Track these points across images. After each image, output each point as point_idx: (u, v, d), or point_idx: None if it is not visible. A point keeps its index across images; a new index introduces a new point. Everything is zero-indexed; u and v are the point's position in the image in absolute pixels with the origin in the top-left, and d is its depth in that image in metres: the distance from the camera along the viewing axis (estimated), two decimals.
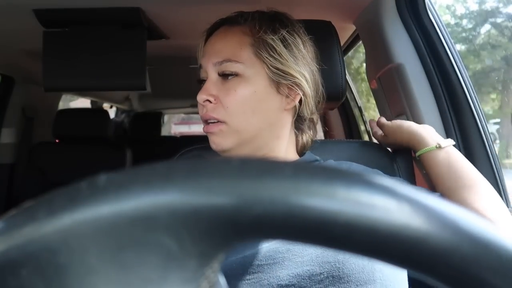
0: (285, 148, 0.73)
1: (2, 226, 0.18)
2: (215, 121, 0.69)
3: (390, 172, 0.86)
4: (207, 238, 0.18)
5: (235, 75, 0.68)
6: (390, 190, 0.18)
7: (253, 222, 0.18)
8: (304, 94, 0.70)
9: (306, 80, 0.70)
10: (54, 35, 1.23)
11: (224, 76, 0.69)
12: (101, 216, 0.17)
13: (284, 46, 0.68)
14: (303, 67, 0.70)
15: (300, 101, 0.71)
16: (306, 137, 0.77)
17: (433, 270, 0.18)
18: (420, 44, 1.00)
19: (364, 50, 1.29)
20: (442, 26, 1.02)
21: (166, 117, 4.89)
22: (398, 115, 1.06)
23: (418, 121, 0.98)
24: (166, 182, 0.18)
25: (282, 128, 0.72)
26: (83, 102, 3.71)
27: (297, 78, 0.69)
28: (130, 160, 2.18)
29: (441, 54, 0.99)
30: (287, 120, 0.73)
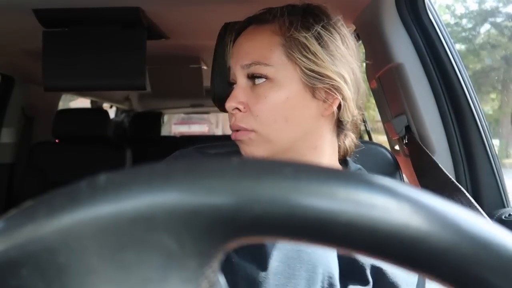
0: (328, 158, 0.66)
1: (2, 226, 0.18)
2: (245, 130, 0.63)
3: (391, 172, 0.86)
4: (207, 238, 0.18)
5: (265, 78, 0.61)
6: (390, 189, 0.18)
7: (253, 222, 0.18)
8: (343, 97, 0.62)
9: (346, 82, 0.61)
10: (54, 35, 1.23)
11: (253, 79, 0.62)
12: (101, 216, 0.17)
13: (319, 44, 0.61)
14: (342, 67, 0.62)
15: (339, 106, 0.63)
16: (348, 141, 0.69)
17: (433, 270, 0.18)
18: (420, 43, 1.00)
19: (363, 50, 1.29)
20: (442, 25, 1.02)
21: (166, 117, 4.89)
22: (398, 115, 1.06)
23: (418, 121, 0.98)
24: (166, 182, 0.18)
25: (320, 137, 0.65)
26: (83, 102, 3.71)
27: (335, 80, 0.61)
28: (130, 160, 2.18)
29: (441, 54, 0.99)
30: (326, 128, 0.65)
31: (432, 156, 0.89)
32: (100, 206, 0.17)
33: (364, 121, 2.16)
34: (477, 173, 0.95)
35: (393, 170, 0.86)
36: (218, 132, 9.72)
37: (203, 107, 3.88)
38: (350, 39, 0.65)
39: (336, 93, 0.61)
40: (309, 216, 0.17)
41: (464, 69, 1.00)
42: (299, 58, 0.60)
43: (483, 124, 0.96)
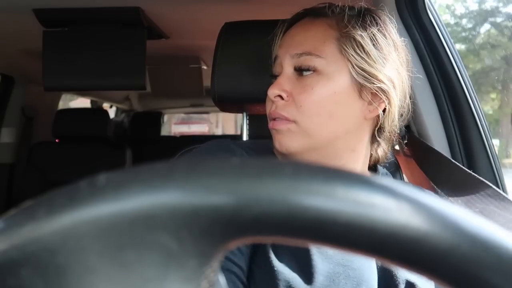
0: (362, 162, 0.65)
1: (2, 225, 0.18)
2: (285, 119, 0.61)
3: (391, 173, 0.86)
4: (207, 238, 0.18)
5: (314, 71, 0.60)
6: (389, 189, 0.18)
7: (253, 222, 0.18)
8: (389, 102, 0.61)
9: (394, 87, 0.61)
10: (54, 35, 1.24)
11: (300, 71, 0.61)
12: (101, 216, 0.17)
13: (373, 45, 0.60)
14: (392, 72, 0.61)
15: (384, 110, 0.62)
16: (380, 151, 0.68)
17: (433, 270, 0.18)
18: (420, 43, 1.00)
19: None
20: (442, 25, 1.02)
21: (166, 117, 4.89)
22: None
23: (418, 121, 0.98)
24: (166, 181, 0.18)
25: (360, 140, 0.63)
26: (83, 102, 3.71)
27: (384, 83, 0.60)
28: (130, 160, 2.18)
29: (441, 54, 0.99)
30: (366, 131, 0.64)
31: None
32: (100, 206, 0.17)
33: None
34: (477, 173, 0.95)
35: (393, 170, 0.86)
36: (218, 132, 9.72)
37: (203, 107, 3.88)
38: (402, 50, 0.65)
39: (383, 96, 0.61)
40: (309, 216, 0.17)
41: (464, 69, 1.00)
42: (352, 55, 0.60)
43: (483, 124, 0.96)
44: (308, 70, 0.61)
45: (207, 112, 4.81)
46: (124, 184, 0.18)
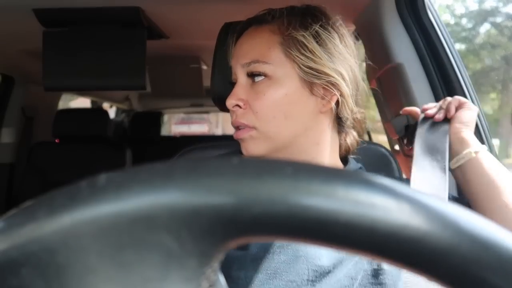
0: (328, 154, 0.67)
1: (2, 225, 0.18)
2: (245, 127, 0.65)
3: (390, 172, 0.85)
4: (207, 237, 0.18)
5: (264, 76, 0.63)
6: (389, 189, 0.18)
7: (253, 222, 0.18)
8: (341, 94, 0.63)
9: (344, 79, 0.63)
10: (54, 35, 1.24)
11: (253, 77, 0.64)
12: (101, 216, 0.17)
13: (317, 42, 0.62)
14: (340, 64, 0.63)
15: (338, 102, 0.64)
16: (350, 139, 0.71)
17: (433, 270, 0.18)
18: (419, 43, 1.00)
19: (363, 50, 1.29)
20: (442, 25, 1.02)
21: (166, 117, 4.89)
22: (398, 115, 1.06)
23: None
24: (166, 181, 0.18)
25: (321, 132, 0.66)
26: (83, 102, 3.71)
27: (333, 77, 0.62)
28: (130, 160, 2.18)
29: (441, 54, 0.99)
30: (325, 124, 0.66)
31: None
32: (100, 206, 0.17)
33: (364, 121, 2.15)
34: None
35: (393, 170, 0.86)
36: (218, 132, 9.72)
37: (203, 107, 3.88)
38: (349, 39, 0.67)
39: (334, 89, 0.63)
40: (309, 216, 0.17)
41: (464, 69, 1.00)
42: (297, 56, 0.62)
43: (483, 124, 0.96)
44: (259, 75, 0.64)
45: (207, 112, 4.81)
46: (124, 184, 0.18)
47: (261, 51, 0.64)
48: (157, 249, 0.18)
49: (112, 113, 3.78)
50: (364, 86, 0.69)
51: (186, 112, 5.03)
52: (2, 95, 2.09)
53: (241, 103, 0.65)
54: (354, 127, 0.70)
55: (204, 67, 2.11)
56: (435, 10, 1.03)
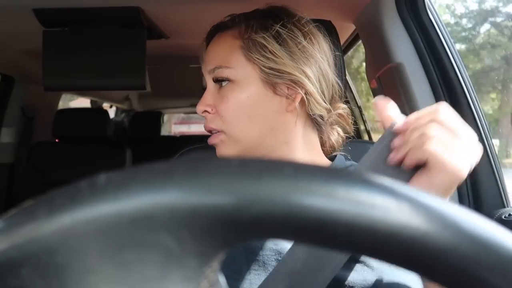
0: (301, 152, 0.67)
1: (2, 225, 0.18)
2: (216, 131, 0.66)
3: None
4: (207, 238, 0.18)
5: (228, 80, 0.65)
6: (389, 189, 0.18)
7: (253, 222, 0.18)
8: (306, 92, 0.63)
9: (307, 77, 0.63)
10: (54, 35, 1.23)
11: (218, 82, 0.66)
12: (101, 216, 0.17)
13: (277, 42, 0.63)
14: (303, 63, 0.63)
15: (305, 100, 0.64)
16: (334, 136, 0.70)
17: (433, 270, 0.18)
18: (419, 43, 1.00)
19: (364, 50, 1.29)
20: (442, 25, 1.02)
21: (166, 117, 4.89)
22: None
23: None
24: (166, 181, 0.18)
25: (289, 132, 0.66)
26: (83, 102, 3.71)
27: (295, 75, 0.62)
28: (130, 160, 2.18)
29: (441, 54, 0.99)
30: (293, 122, 0.66)
31: None
32: (100, 206, 0.17)
33: (364, 121, 2.15)
34: (477, 173, 0.95)
35: None
36: None
37: None
38: (316, 36, 0.67)
39: (298, 88, 0.63)
40: (309, 216, 0.17)
41: (464, 69, 1.00)
42: (257, 58, 0.63)
43: (483, 124, 0.96)
44: (223, 80, 0.65)
45: None
46: (124, 184, 0.18)
47: (223, 57, 0.65)
48: (157, 249, 0.18)
49: (112, 113, 3.78)
50: (336, 81, 0.67)
51: (186, 112, 5.03)
52: (2, 95, 2.08)
53: (209, 109, 0.66)
54: (338, 123, 0.70)
55: None
56: (435, 10, 1.03)
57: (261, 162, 0.19)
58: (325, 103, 0.65)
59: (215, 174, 0.18)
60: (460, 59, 1.00)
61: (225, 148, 0.66)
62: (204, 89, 0.70)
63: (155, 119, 3.29)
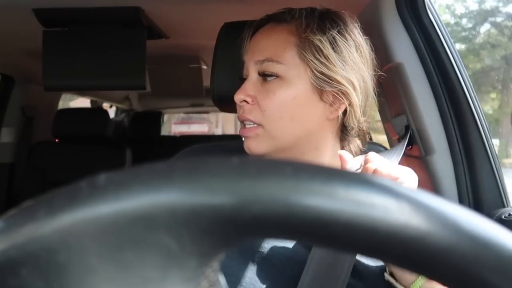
0: (328, 160, 0.67)
1: (2, 225, 0.18)
2: (252, 124, 0.65)
3: None
4: (207, 238, 0.18)
5: (276, 76, 0.63)
6: (389, 189, 0.18)
7: (253, 222, 0.18)
8: (350, 103, 0.63)
9: (354, 89, 0.63)
10: (54, 35, 1.23)
11: (264, 76, 0.64)
12: (101, 216, 0.17)
13: (332, 48, 0.62)
14: (353, 74, 0.63)
15: (346, 111, 0.64)
16: (353, 146, 0.70)
17: (433, 270, 0.18)
18: (419, 43, 1.00)
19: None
20: (442, 25, 1.02)
21: (166, 117, 4.89)
22: (398, 115, 1.06)
23: (418, 120, 0.98)
24: (166, 181, 0.18)
25: (323, 138, 0.66)
26: (83, 102, 3.71)
27: (344, 85, 0.62)
28: (130, 160, 2.18)
29: (441, 54, 0.99)
30: (329, 130, 0.66)
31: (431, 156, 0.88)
32: (100, 206, 0.17)
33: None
34: (477, 173, 0.95)
35: None
36: (218, 131, 9.71)
37: (203, 107, 3.88)
38: (365, 48, 0.67)
39: (343, 98, 0.63)
40: (309, 216, 0.17)
41: (464, 69, 1.00)
42: (311, 60, 0.62)
43: (483, 124, 0.96)
44: (271, 75, 0.63)
45: (207, 112, 4.81)
46: (124, 184, 0.18)
47: (276, 51, 0.63)
48: (157, 249, 0.18)
49: (112, 113, 3.78)
50: (374, 96, 0.68)
51: (186, 112, 5.04)
52: (2, 95, 2.08)
53: (249, 99, 0.65)
54: (358, 136, 0.70)
55: (204, 67, 2.11)
56: (435, 10, 1.03)
57: (261, 162, 0.19)
58: (362, 117, 0.66)
59: (215, 174, 0.18)
60: (460, 59, 1.00)
61: (258, 144, 0.65)
62: (241, 78, 0.69)
63: (155, 119, 3.29)
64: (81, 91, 2.71)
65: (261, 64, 0.64)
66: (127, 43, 1.22)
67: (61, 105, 2.81)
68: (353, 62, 0.63)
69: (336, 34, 0.63)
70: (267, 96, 0.63)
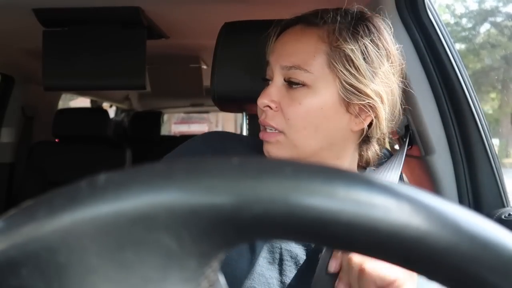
0: (348, 165, 0.66)
1: (2, 225, 0.18)
2: (274, 130, 0.62)
3: None
4: (207, 238, 0.18)
5: (303, 84, 0.60)
6: (390, 189, 0.18)
7: (253, 222, 0.18)
8: (376, 116, 0.61)
9: (382, 102, 0.60)
10: (54, 35, 1.23)
11: (290, 83, 0.61)
12: (100, 216, 0.17)
13: (364, 58, 0.59)
14: (382, 86, 0.60)
15: (371, 123, 0.62)
16: (371, 152, 0.68)
17: (433, 270, 0.18)
18: (419, 43, 1.00)
19: None
20: (442, 25, 1.02)
21: (166, 117, 4.89)
22: None
23: (418, 120, 0.98)
24: (166, 181, 0.18)
25: (345, 149, 0.64)
26: (83, 102, 3.71)
27: (372, 98, 0.59)
28: (130, 160, 2.18)
29: (441, 54, 0.99)
30: (352, 141, 0.64)
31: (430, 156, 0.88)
32: (100, 206, 0.17)
33: None
34: (476, 173, 0.95)
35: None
36: None
37: (203, 107, 3.88)
38: (396, 57, 0.64)
39: (370, 110, 0.60)
40: (310, 216, 0.17)
41: (464, 69, 1.00)
42: (341, 71, 0.59)
43: (483, 124, 0.96)
44: (297, 84, 0.60)
45: (207, 112, 4.81)
46: (123, 184, 0.18)
47: (305, 58, 0.60)
48: (156, 249, 0.18)
49: (112, 112, 3.78)
50: (400, 109, 0.65)
51: (186, 111, 5.04)
52: (2, 95, 2.08)
53: (273, 105, 0.62)
54: (378, 143, 0.69)
55: (204, 67, 2.11)
56: (435, 10, 1.03)
57: (261, 162, 0.19)
58: (386, 129, 0.64)
59: (215, 174, 0.18)
60: (460, 59, 1.00)
61: (279, 150, 0.62)
62: (264, 78, 0.66)
63: (155, 119, 3.29)
64: (81, 91, 2.71)
65: (287, 70, 0.61)
66: (127, 43, 1.22)
67: (61, 105, 2.81)
68: (383, 73, 0.60)
69: (369, 43, 0.60)
70: (292, 104, 0.61)
